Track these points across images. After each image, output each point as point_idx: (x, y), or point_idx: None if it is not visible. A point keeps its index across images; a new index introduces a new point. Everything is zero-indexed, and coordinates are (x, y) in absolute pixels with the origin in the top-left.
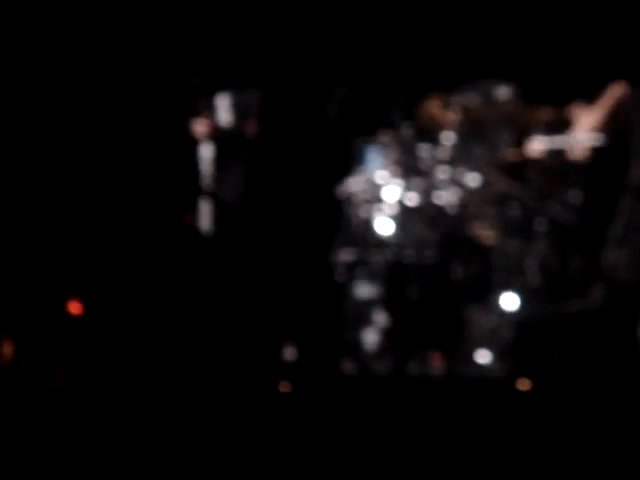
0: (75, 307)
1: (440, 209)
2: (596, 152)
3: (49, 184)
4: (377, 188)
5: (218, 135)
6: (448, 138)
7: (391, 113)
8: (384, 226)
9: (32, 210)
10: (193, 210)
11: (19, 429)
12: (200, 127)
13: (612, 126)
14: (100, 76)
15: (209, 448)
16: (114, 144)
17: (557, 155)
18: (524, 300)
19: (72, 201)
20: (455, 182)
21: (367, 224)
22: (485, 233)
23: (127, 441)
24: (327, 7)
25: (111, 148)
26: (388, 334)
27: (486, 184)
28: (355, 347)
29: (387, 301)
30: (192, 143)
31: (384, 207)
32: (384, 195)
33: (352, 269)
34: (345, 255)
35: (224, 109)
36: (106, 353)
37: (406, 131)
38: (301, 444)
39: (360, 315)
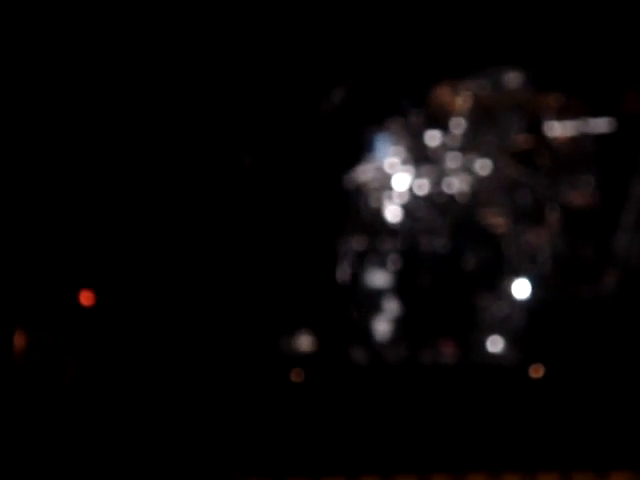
0: (87, 299)
1: (451, 196)
2: (608, 138)
3: (60, 180)
4: (387, 176)
5: None
6: (458, 125)
7: (400, 101)
8: (394, 214)
9: (44, 203)
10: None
11: (31, 419)
12: None
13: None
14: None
15: (222, 436)
16: (124, 142)
17: (568, 141)
18: (536, 287)
19: (82, 195)
20: (465, 169)
21: (377, 213)
22: (496, 220)
23: (141, 428)
24: None
25: (121, 145)
26: (400, 322)
27: (497, 171)
28: (366, 335)
29: (398, 289)
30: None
31: (394, 195)
32: (394, 183)
33: (363, 258)
34: (356, 244)
35: None
36: (118, 344)
37: (416, 119)
38: (313, 432)
39: (371, 304)
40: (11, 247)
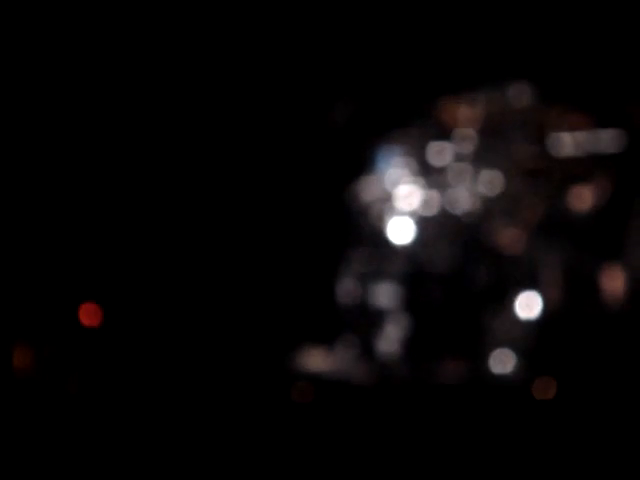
0: (91, 314)
1: (458, 213)
2: (619, 152)
3: (63, 189)
4: (392, 194)
5: None
6: (466, 140)
7: (405, 117)
8: (400, 232)
9: (51, 216)
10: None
11: (32, 433)
12: None
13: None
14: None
15: (225, 459)
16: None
17: (578, 156)
18: (545, 303)
19: (90, 208)
20: (473, 186)
21: (383, 230)
22: (504, 237)
23: (143, 443)
24: (338, 5)
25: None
26: (406, 341)
27: (505, 186)
28: (372, 354)
29: (404, 308)
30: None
31: (400, 213)
32: (400, 201)
33: (368, 275)
34: (361, 261)
35: None
36: (122, 359)
37: (422, 134)
38: (317, 453)
39: (376, 323)
40: (13, 258)
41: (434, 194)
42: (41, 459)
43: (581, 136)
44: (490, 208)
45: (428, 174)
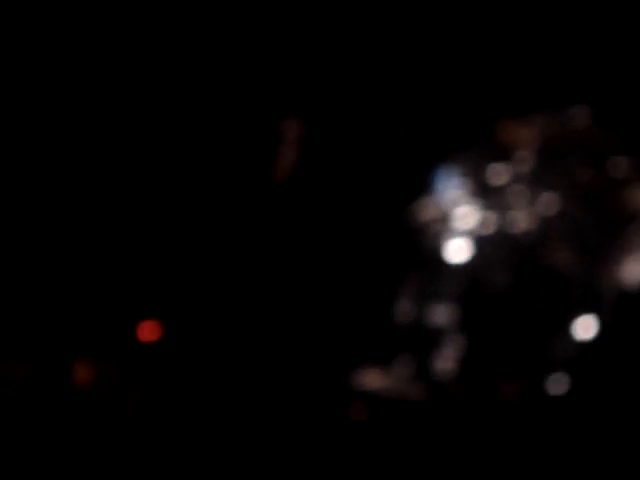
0: (149, 332)
1: (516, 232)
2: None
3: (118, 209)
4: (449, 213)
5: None
6: (524, 163)
7: (464, 138)
8: (458, 253)
9: (112, 235)
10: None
11: (90, 449)
12: None
13: None
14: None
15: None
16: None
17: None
18: (603, 326)
19: (150, 226)
20: (531, 207)
21: (440, 251)
22: (562, 257)
23: (193, 461)
24: (397, 30)
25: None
26: (462, 362)
27: (563, 208)
28: (428, 374)
29: (460, 328)
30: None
31: (458, 233)
32: (456, 221)
33: (425, 296)
34: (418, 282)
35: None
36: (181, 378)
37: (481, 155)
38: (372, 471)
39: (433, 342)
40: (75, 275)
41: (492, 215)
42: (100, 474)
43: None
44: (548, 229)
45: (486, 195)
